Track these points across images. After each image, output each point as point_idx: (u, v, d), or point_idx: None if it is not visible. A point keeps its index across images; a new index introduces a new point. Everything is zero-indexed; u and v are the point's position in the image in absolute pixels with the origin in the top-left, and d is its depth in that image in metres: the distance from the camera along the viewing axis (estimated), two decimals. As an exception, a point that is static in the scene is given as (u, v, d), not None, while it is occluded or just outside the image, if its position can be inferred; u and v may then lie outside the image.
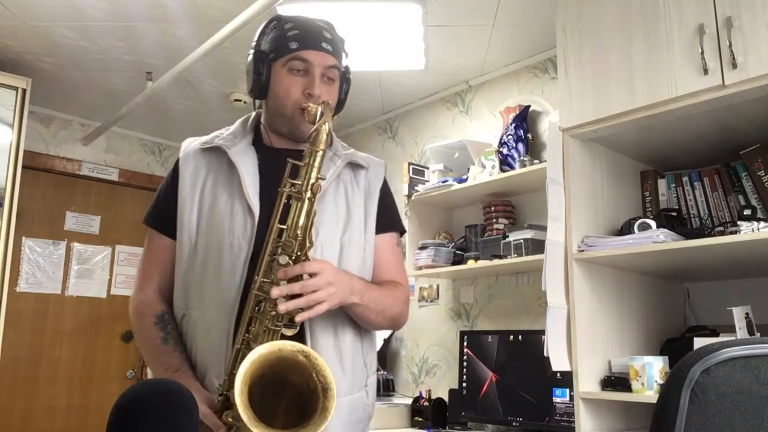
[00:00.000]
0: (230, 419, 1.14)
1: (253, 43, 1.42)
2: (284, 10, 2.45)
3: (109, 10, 2.68)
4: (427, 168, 3.17)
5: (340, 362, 1.33)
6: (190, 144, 1.45)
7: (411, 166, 3.15)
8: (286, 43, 1.36)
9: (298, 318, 1.20)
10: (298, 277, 1.21)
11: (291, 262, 1.22)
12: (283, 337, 1.20)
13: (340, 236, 1.37)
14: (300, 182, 1.25)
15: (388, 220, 1.48)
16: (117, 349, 4.10)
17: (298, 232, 1.24)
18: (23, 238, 3.81)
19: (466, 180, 2.88)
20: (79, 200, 4.08)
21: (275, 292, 1.19)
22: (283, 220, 1.25)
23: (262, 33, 1.42)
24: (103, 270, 4.12)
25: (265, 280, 1.23)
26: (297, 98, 1.35)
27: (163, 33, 2.87)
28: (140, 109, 3.48)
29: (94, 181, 4.09)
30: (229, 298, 1.29)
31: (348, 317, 1.36)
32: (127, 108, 3.43)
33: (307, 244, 1.25)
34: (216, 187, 1.37)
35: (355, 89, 3.53)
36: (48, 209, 3.97)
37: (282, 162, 1.35)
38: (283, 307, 1.18)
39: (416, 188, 3.07)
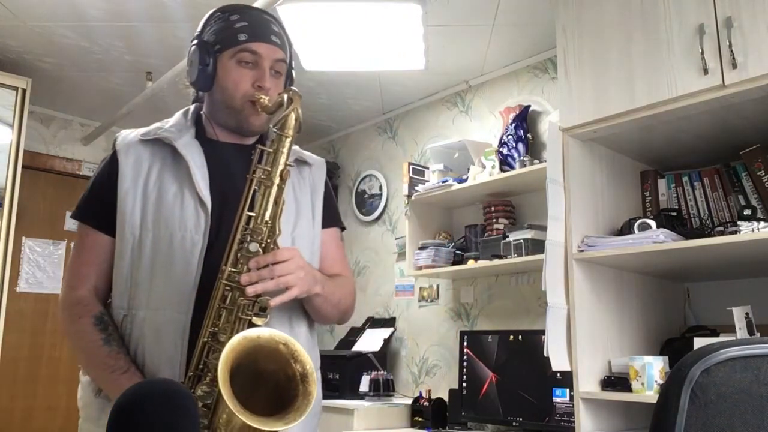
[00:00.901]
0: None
1: (196, 34, 1.38)
2: (284, 10, 2.46)
3: (109, 10, 2.68)
4: (427, 168, 3.17)
5: None
6: (128, 135, 1.37)
7: (411, 166, 3.15)
8: (234, 35, 1.31)
9: (272, 302, 1.18)
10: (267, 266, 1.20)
11: (261, 250, 1.20)
12: (252, 326, 1.18)
13: (291, 230, 1.36)
14: (269, 168, 1.23)
15: (331, 215, 1.49)
16: (117, 349, 4.10)
17: (267, 219, 1.22)
18: (23, 238, 3.81)
19: (466, 180, 2.88)
20: (79, 200, 4.07)
21: (245, 278, 1.17)
22: (249, 208, 1.23)
23: (206, 24, 1.38)
24: (103, 270, 4.11)
25: (233, 269, 1.20)
26: (247, 90, 1.31)
27: (163, 33, 2.86)
28: (140, 109, 3.48)
29: (94, 181, 4.09)
30: (184, 295, 1.23)
31: (302, 310, 1.36)
32: (127, 108, 3.43)
33: (277, 232, 1.23)
34: (162, 180, 1.30)
35: (355, 89, 3.60)
36: (48, 209, 3.97)
37: (228, 155, 1.34)
38: (252, 289, 1.16)
39: (416, 188, 3.07)
